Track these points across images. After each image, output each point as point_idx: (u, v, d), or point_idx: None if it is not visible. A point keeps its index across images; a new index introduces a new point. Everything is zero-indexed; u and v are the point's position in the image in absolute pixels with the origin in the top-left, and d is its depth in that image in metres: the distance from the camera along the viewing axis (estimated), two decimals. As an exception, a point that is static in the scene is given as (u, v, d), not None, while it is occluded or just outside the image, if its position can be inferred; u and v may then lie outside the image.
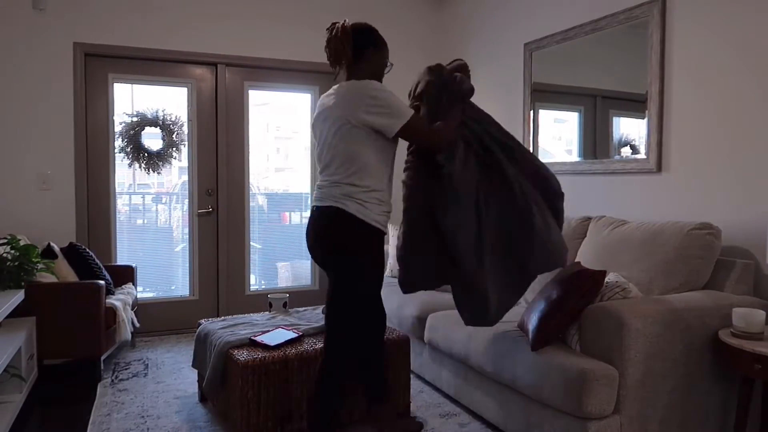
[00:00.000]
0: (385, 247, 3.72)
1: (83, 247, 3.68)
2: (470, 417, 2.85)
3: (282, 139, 4.85)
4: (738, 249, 2.70)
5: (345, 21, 2.22)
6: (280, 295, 3.20)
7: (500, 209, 2.27)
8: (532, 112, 4.00)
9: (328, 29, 2.24)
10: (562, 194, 2.44)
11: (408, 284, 2.37)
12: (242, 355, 2.46)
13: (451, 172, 2.24)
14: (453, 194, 2.23)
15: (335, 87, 2.26)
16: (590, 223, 3.15)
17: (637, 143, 3.22)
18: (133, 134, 4.20)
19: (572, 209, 3.63)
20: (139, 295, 4.14)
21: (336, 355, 2.26)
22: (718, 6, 2.77)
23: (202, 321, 3.01)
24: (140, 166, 4.24)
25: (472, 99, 2.43)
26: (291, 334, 2.66)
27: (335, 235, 2.18)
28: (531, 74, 3.99)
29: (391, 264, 4.07)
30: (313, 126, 2.35)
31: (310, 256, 2.36)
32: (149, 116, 4.25)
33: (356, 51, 2.22)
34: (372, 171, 2.18)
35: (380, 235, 2.23)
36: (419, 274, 2.33)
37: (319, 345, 2.59)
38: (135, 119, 4.22)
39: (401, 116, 2.13)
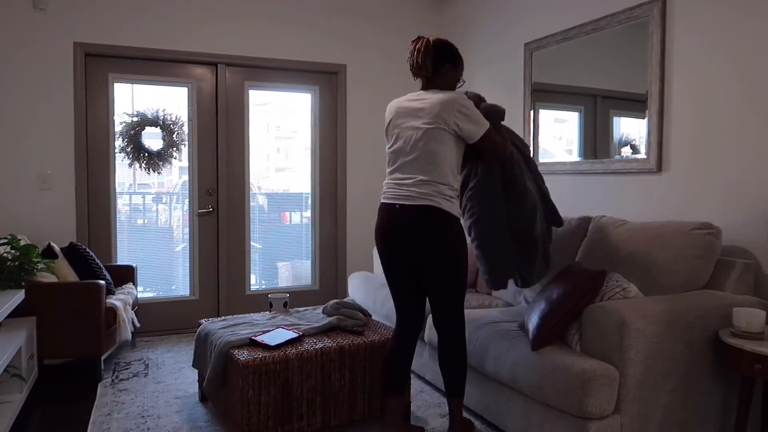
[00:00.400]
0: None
1: (83, 247, 3.68)
2: (471, 417, 2.85)
3: (282, 138, 4.85)
4: (738, 249, 2.70)
5: (429, 37, 2.44)
6: (281, 294, 3.20)
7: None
8: (532, 111, 4.01)
9: (413, 42, 2.47)
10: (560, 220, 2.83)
11: (500, 278, 2.69)
12: (242, 354, 2.46)
13: (516, 177, 2.57)
14: (521, 195, 2.58)
15: (421, 93, 2.45)
16: (591, 222, 3.15)
17: (637, 143, 3.22)
18: (133, 134, 4.21)
19: (573, 209, 3.63)
20: (139, 295, 4.14)
21: (458, 326, 2.49)
22: (719, 6, 2.77)
23: (203, 321, 3.01)
24: (140, 166, 4.25)
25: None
26: (291, 334, 2.66)
27: (435, 231, 2.35)
28: (531, 74, 3.99)
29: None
30: (391, 126, 2.50)
31: (384, 247, 2.49)
32: (149, 116, 4.25)
33: (435, 66, 2.43)
34: (454, 170, 2.39)
35: (462, 226, 2.44)
36: (505, 265, 2.65)
37: (320, 345, 2.60)
38: (135, 119, 4.22)
39: (484, 125, 2.36)
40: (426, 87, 2.47)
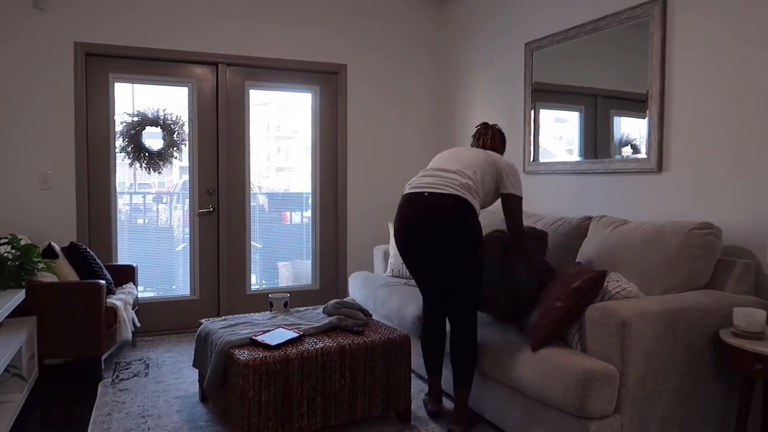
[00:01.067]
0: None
1: (84, 246, 3.68)
2: (471, 417, 2.85)
3: (283, 138, 4.85)
4: (739, 248, 2.70)
5: (496, 125, 3.06)
6: (281, 294, 3.20)
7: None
8: (532, 111, 4.00)
9: (483, 125, 3.07)
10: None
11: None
12: (243, 354, 2.46)
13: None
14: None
15: (482, 150, 2.86)
16: (591, 222, 3.15)
17: (638, 143, 3.22)
18: (133, 134, 4.21)
19: (573, 209, 3.63)
20: (139, 295, 4.14)
21: (471, 314, 2.65)
22: (719, 5, 2.77)
23: (203, 320, 3.01)
24: (141, 166, 4.25)
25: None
26: (292, 334, 2.66)
27: (462, 221, 2.53)
28: (532, 74, 3.99)
29: (392, 264, 4.07)
30: (451, 148, 3.18)
31: (407, 237, 2.64)
32: (150, 116, 4.25)
33: (500, 145, 3.04)
34: (483, 188, 2.67)
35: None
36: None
37: (320, 345, 2.60)
38: (136, 119, 4.22)
39: (517, 189, 2.71)
40: None
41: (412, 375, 3.38)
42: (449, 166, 2.66)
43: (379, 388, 2.71)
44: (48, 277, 3.30)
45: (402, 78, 4.98)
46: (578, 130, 3.66)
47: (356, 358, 2.65)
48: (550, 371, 2.24)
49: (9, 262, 2.98)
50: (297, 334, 2.66)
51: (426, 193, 2.55)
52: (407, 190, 2.65)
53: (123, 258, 4.24)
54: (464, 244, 2.51)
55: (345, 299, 3.20)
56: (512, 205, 2.68)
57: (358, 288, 4.02)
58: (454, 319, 2.63)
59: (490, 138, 3.02)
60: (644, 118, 3.14)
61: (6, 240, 3.09)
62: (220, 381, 2.60)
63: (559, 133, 3.89)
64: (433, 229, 2.51)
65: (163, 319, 4.33)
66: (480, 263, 2.59)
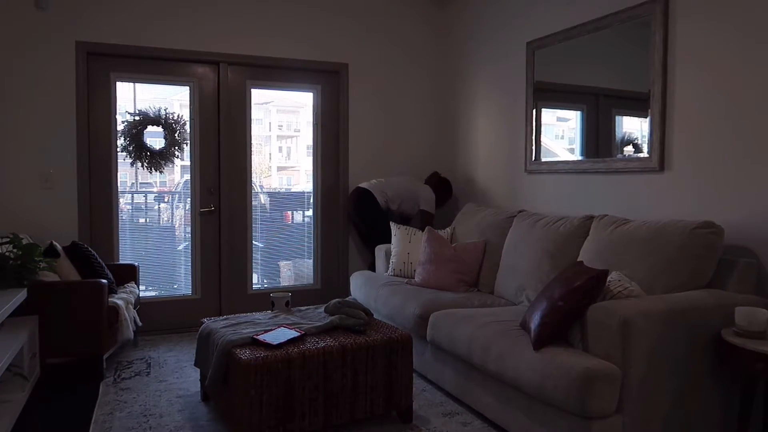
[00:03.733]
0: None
1: (86, 245, 3.69)
2: (472, 416, 2.85)
3: (284, 137, 4.85)
4: (741, 248, 2.69)
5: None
6: (283, 294, 3.20)
7: None
8: (534, 110, 4.00)
9: None
10: None
11: None
12: (245, 354, 2.46)
13: None
14: None
15: None
16: (593, 221, 3.15)
17: (639, 142, 3.21)
18: (135, 133, 4.21)
19: (575, 208, 3.62)
20: (141, 294, 4.14)
21: None
22: (721, 4, 2.76)
23: (205, 320, 3.01)
24: (142, 165, 4.25)
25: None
26: (293, 333, 2.66)
27: None
28: (533, 73, 3.98)
29: (394, 263, 4.07)
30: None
31: None
32: (151, 115, 4.25)
33: None
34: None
35: None
36: None
37: (322, 344, 2.60)
38: (137, 118, 4.22)
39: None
40: None
41: (414, 374, 3.38)
42: None
43: (380, 388, 2.71)
44: (50, 277, 3.31)
45: (403, 77, 4.98)
46: (580, 129, 3.65)
47: (358, 358, 2.65)
48: (552, 370, 2.24)
49: (11, 262, 2.98)
50: (298, 334, 2.66)
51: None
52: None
53: (125, 257, 4.25)
54: None
55: (346, 299, 3.20)
56: None
57: (359, 287, 4.02)
58: None
59: None
60: (646, 117, 3.13)
61: (8, 239, 3.09)
62: (221, 380, 2.60)
63: (561, 132, 3.88)
64: None
65: (164, 319, 4.33)
66: None
